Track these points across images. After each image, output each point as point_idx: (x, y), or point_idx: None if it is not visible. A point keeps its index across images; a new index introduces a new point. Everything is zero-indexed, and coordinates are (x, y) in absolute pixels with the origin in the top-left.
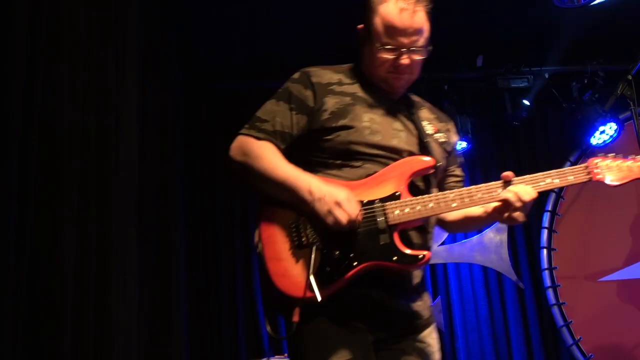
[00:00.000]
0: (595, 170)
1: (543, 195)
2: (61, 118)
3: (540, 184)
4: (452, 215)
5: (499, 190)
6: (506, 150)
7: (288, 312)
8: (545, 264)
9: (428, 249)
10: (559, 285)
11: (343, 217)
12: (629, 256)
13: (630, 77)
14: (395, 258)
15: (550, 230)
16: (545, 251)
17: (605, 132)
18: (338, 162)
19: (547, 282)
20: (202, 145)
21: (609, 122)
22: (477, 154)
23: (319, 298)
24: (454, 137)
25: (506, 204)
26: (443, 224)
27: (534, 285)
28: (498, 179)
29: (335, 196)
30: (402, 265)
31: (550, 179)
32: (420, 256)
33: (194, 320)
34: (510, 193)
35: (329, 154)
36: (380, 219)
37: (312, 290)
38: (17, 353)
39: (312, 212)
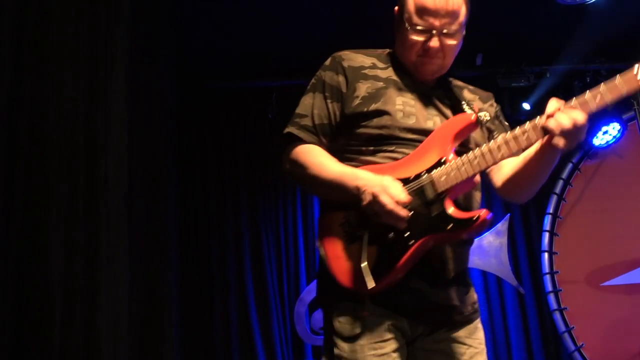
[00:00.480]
0: None
1: (544, 198)
2: (49, 116)
3: (588, 105)
4: (505, 172)
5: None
6: None
7: (359, 307)
8: (546, 268)
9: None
10: (561, 290)
11: (388, 204)
12: (634, 259)
13: None
14: (450, 227)
15: (552, 233)
16: (546, 255)
17: (608, 133)
18: (371, 148)
19: (549, 286)
20: (195, 146)
21: (612, 122)
22: None
23: (370, 285)
24: (494, 108)
25: (550, 134)
26: (505, 186)
27: (535, 290)
28: None
29: (376, 186)
30: (458, 233)
31: (600, 96)
32: (474, 217)
33: (186, 325)
34: (551, 121)
35: (361, 140)
36: (428, 189)
37: (366, 279)
38: (5, 355)
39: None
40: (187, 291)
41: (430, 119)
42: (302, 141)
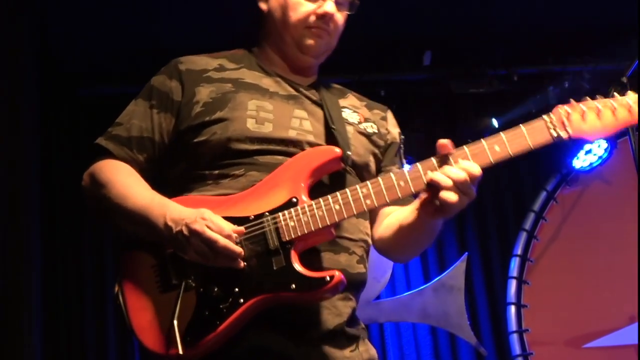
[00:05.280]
0: (564, 121)
1: (510, 235)
2: None
3: (483, 154)
4: (383, 231)
5: (429, 172)
6: None
7: None
8: (513, 326)
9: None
10: (532, 354)
11: (218, 241)
12: (624, 315)
13: (624, 79)
14: (293, 286)
15: (520, 281)
16: (513, 308)
17: (592, 152)
18: (216, 172)
19: (516, 349)
20: (66, 163)
21: (597, 139)
22: None
23: (181, 351)
24: (393, 129)
25: (433, 188)
26: (380, 247)
27: (499, 353)
28: None
29: (191, 220)
30: (304, 294)
31: (498, 147)
32: (327, 278)
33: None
34: (436, 173)
35: (204, 161)
36: (270, 236)
37: (178, 343)
38: None
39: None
40: (51, 317)
41: (295, 126)
42: (111, 155)
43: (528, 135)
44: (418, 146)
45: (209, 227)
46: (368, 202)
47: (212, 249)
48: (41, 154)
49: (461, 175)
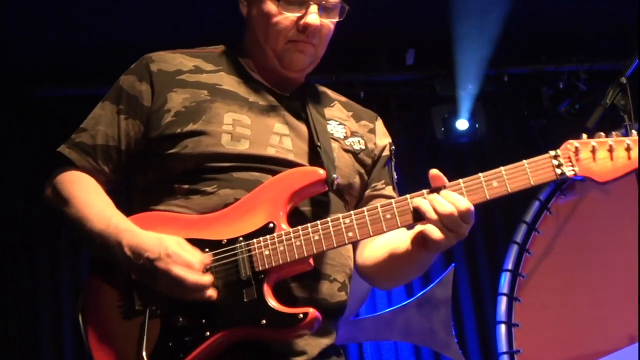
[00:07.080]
0: (572, 159)
1: (501, 250)
2: None
3: (479, 189)
4: (369, 257)
5: (416, 200)
6: None
7: None
8: (503, 346)
9: (321, 303)
10: None
11: (187, 279)
12: (623, 335)
13: (624, 79)
14: (264, 321)
15: (511, 298)
16: (503, 327)
17: None
18: (185, 186)
19: None
20: (15, 165)
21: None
22: (404, 189)
23: None
24: (381, 141)
25: (420, 219)
26: (364, 273)
27: None
28: None
29: (154, 256)
30: (274, 331)
31: (496, 182)
32: (300, 315)
33: None
34: (422, 201)
35: (174, 174)
36: (243, 265)
37: None
38: None
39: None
40: None
41: (274, 143)
42: (74, 165)
43: (530, 172)
44: (398, 152)
45: (175, 263)
46: (350, 234)
47: (180, 287)
48: None
49: (447, 209)
